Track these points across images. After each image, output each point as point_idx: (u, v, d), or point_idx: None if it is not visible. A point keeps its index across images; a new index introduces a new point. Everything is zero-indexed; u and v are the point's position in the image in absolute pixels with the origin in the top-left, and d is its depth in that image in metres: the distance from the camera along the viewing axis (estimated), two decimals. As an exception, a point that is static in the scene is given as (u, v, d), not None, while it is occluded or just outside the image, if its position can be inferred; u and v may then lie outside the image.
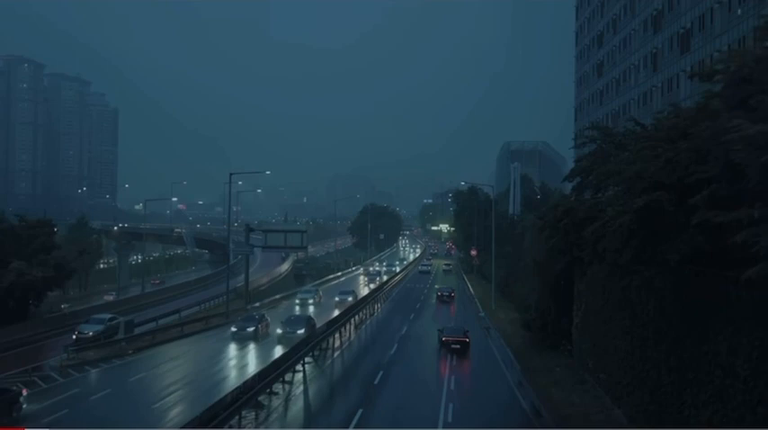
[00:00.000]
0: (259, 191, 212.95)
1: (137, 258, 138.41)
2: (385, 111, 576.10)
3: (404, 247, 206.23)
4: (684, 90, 52.00)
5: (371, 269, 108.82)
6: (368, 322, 58.29)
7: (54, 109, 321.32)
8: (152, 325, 53.56)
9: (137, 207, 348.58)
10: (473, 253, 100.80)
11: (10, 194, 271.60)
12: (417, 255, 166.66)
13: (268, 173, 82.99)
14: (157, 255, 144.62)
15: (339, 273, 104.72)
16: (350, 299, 66.74)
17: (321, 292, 73.81)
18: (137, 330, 50.26)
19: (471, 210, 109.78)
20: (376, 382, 34.96)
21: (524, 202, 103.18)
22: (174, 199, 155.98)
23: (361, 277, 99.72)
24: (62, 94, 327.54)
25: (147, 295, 73.25)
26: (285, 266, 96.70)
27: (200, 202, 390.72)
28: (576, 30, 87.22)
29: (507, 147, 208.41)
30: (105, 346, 45.00)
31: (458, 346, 43.41)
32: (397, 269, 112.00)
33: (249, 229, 65.10)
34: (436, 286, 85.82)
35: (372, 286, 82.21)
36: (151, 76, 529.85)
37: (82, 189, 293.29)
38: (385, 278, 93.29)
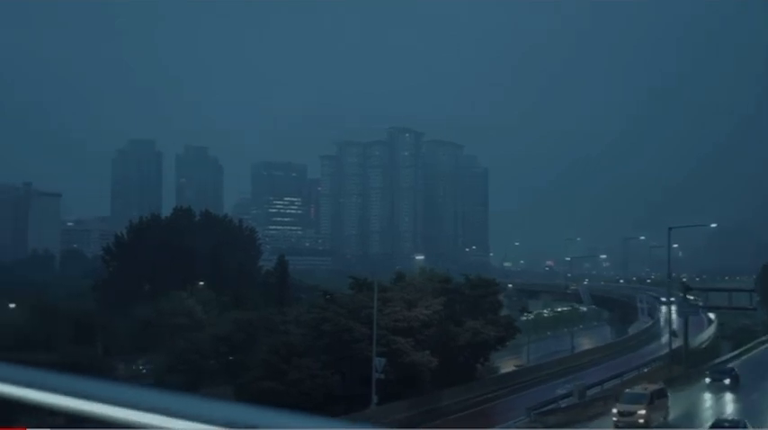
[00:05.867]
0: (675, 245, 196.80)
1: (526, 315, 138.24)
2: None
3: None
4: None
5: None
6: None
7: (430, 173, 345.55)
8: (597, 389, 51.08)
9: (506, 264, 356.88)
10: None
11: (396, 254, 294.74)
12: None
13: (714, 225, 76.70)
14: (546, 311, 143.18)
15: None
16: None
17: None
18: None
19: None
20: None
21: None
22: (603, 256, 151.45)
23: None
24: (438, 160, 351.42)
25: (577, 356, 71.60)
26: (711, 330, 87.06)
27: (567, 259, 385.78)
28: None
29: None
30: (561, 412, 43.54)
31: None
32: None
33: (687, 288, 60.18)
34: None
35: None
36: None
37: (470, 248, 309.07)
38: None
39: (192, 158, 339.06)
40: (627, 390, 44.07)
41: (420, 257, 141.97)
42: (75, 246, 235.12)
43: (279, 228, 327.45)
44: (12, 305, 71.00)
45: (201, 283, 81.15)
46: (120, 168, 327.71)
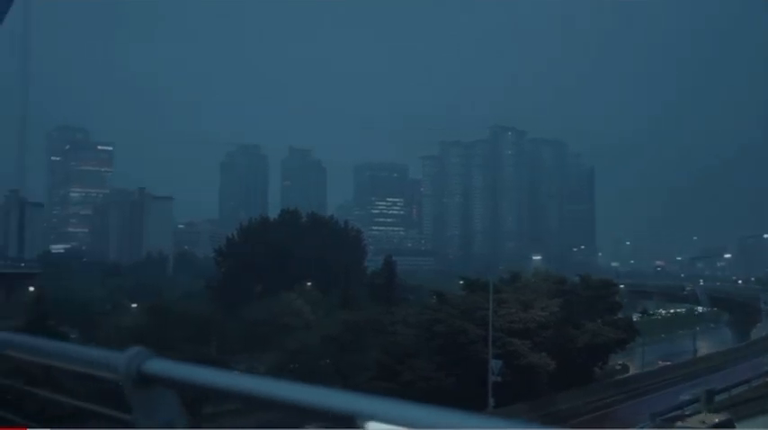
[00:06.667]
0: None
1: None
2: None
3: None
4: None
5: None
6: None
7: (534, 171, 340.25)
8: (725, 395, 48.25)
9: (613, 264, 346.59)
10: None
11: (500, 254, 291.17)
12: None
13: None
14: (655, 312, 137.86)
15: None
16: None
17: None
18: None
19: None
20: None
21: None
22: (727, 255, 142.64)
23: None
24: (541, 157, 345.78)
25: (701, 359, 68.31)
26: None
27: (678, 258, 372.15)
28: None
29: None
30: (687, 418, 41.15)
31: None
32: None
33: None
34: None
35: None
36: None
37: (578, 247, 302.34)
38: None
39: (296, 161, 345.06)
40: (679, 423, 36.63)
41: (537, 258, 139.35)
42: (186, 247, 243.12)
43: (381, 228, 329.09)
44: (133, 305, 74.14)
45: (309, 284, 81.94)
46: (228, 171, 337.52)
